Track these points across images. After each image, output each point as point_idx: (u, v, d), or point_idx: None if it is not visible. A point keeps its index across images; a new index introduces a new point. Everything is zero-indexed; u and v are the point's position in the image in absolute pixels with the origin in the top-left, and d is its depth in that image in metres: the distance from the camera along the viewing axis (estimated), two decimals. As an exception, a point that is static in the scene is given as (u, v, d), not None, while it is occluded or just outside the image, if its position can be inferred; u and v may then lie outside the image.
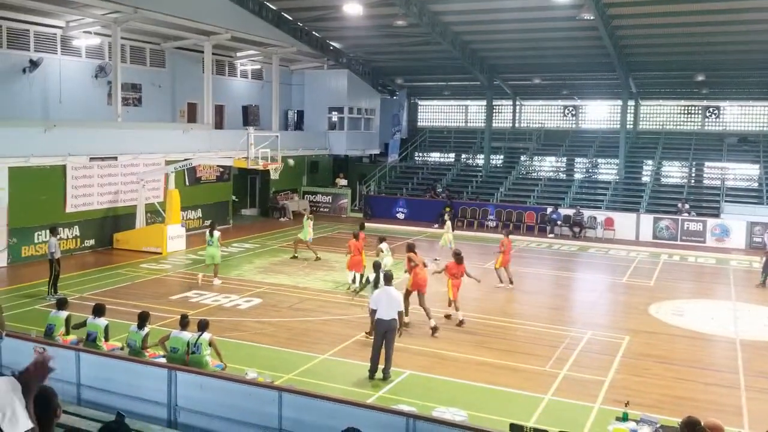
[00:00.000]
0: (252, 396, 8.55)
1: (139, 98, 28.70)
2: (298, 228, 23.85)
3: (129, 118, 26.91)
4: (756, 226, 28.27)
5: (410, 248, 16.52)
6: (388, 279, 12.73)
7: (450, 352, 13.72)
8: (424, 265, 16.16)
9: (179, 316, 11.73)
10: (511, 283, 19.82)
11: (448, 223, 24.86)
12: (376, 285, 14.22)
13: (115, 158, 24.30)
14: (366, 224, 22.13)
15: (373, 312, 12.23)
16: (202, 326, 10.98)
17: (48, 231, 19.16)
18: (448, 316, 16.10)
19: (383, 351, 12.02)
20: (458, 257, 16.23)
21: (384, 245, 19.05)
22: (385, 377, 11.94)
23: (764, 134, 35.86)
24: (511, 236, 21.28)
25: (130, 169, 24.74)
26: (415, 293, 15.36)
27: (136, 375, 9.37)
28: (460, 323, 15.57)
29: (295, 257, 22.78)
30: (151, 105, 29.09)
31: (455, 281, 16.00)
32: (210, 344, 10.88)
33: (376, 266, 15.03)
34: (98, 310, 11.75)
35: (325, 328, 15.29)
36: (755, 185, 33.34)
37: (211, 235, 19.19)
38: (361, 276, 18.50)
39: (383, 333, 12.01)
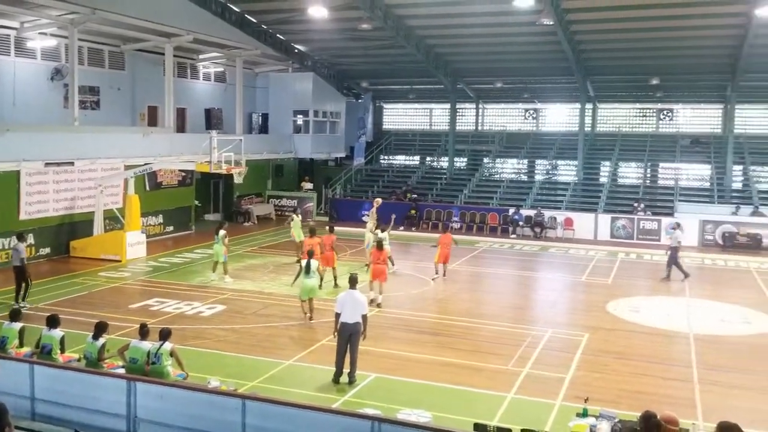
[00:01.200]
0: (214, 405, 8.49)
1: (97, 101, 28.25)
2: (264, 232, 23.80)
3: (86, 121, 26.47)
4: (708, 224, 29.14)
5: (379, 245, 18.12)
6: (353, 282, 12.79)
7: (415, 354, 13.87)
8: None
9: (138, 325, 11.48)
10: (444, 275, 21.13)
11: (370, 224, 24.36)
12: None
13: (72, 163, 23.81)
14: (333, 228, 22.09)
15: (338, 315, 12.30)
16: (164, 335, 10.74)
17: (15, 237, 18.86)
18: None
19: (348, 355, 12.11)
20: (379, 244, 18.14)
21: (384, 234, 20.37)
22: (351, 381, 12.01)
23: (715, 136, 36.88)
24: (453, 235, 22.38)
25: (88, 175, 24.31)
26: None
27: (94, 387, 9.09)
28: (378, 305, 17.13)
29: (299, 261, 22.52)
30: (110, 108, 28.65)
31: (376, 266, 17.66)
32: (171, 354, 10.66)
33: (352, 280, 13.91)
34: (53, 321, 11.29)
35: (290, 333, 15.32)
36: (707, 185, 34.30)
37: (217, 233, 20.23)
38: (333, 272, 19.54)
39: (347, 337, 12.07)
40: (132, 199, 24.01)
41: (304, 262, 16.35)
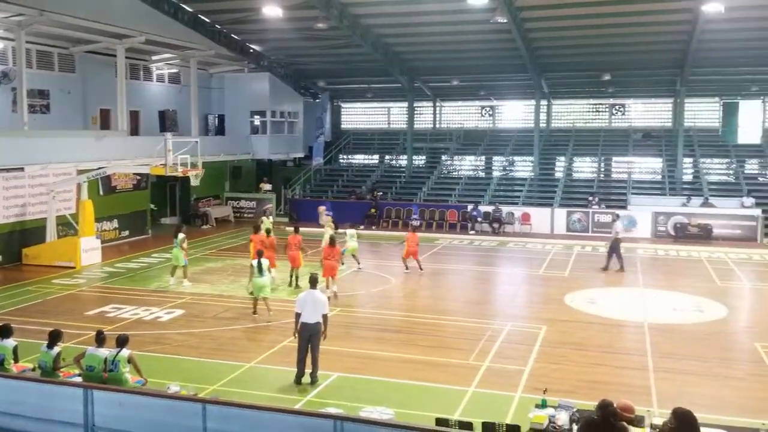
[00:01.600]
0: (174, 410, 8.41)
1: (47, 105, 27.68)
2: (222, 235, 23.60)
3: (36, 126, 25.92)
4: (660, 216, 29.82)
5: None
6: (313, 282, 12.78)
7: (377, 352, 13.93)
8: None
9: (95, 333, 11.22)
10: (421, 268, 21.76)
11: (328, 219, 24.79)
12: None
13: (22, 169, 23.25)
14: (288, 228, 22.12)
15: (298, 316, 12.28)
16: (121, 342, 10.55)
17: None
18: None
19: (309, 355, 12.12)
20: (332, 241, 18.95)
21: (351, 231, 21.13)
22: (313, 381, 12.02)
23: (666, 129, 37.69)
24: (418, 233, 23.21)
25: (39, 180, 23.76)
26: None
27: (49, 396, 8.87)
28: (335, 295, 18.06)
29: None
30: (61, 112, 28.09)
31: (327, 262, 18.33)
32: (129, 361, 10.51)
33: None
34: (5, 331, 10.97)
35: (250, 335, 15.26)
36: (659, 177, 35.10)
37: (176, 236, 20.07)
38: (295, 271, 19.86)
39: (308, 337, 12.07)
40: (85, 204, 23.60)
41: (255, 262, 16.62)
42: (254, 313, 16.65)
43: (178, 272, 20.21)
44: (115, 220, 27.59)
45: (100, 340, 10.74)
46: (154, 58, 32.64)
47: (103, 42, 27.83)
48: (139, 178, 28.68)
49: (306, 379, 12.02)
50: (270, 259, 18.69)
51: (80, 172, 24.55)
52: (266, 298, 16.66)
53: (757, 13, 26.52)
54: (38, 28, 24.68)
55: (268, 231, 20.91)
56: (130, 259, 24.21)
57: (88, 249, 23.16)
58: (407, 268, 22.07)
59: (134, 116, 31.62)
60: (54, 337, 10.90)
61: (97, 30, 26.38)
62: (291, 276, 20.02)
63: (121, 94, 28.18)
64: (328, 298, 16.72)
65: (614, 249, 22.60)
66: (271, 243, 20.16)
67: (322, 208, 24.19)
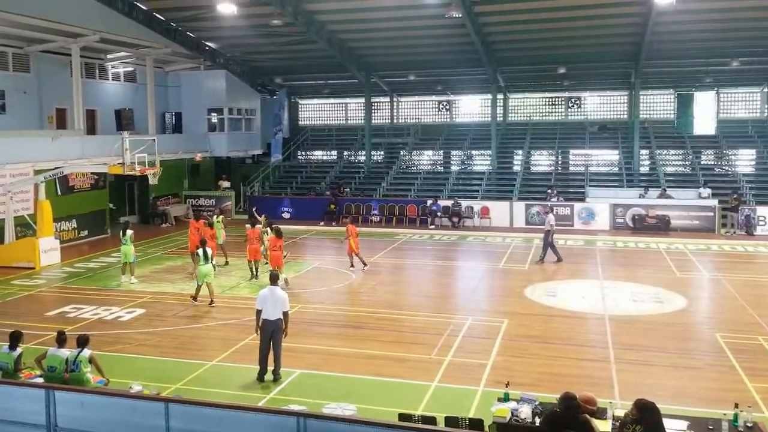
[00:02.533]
0: (137, 409, 8.38)
1: (2, 105, 27.21)
2: (182, 233, 23.42)
3: (-9, 126, 25.50)
4: (618, 207, 30.25)
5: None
6: (274, 279, 12.76)
7: (339, 348, 13.96)
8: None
9: (56, 333, 11.14)
10: (354, 265, 21.75)
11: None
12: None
13: (-22, 170, 22.99)
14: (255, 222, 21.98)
15: (259, 312, 12.26)
16: (82, 342, 10.50)
17: None
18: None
19: (271, 352, 12.10)
20: (278, 232, 19.48)
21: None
22: (276, 378, 12.01)
23: (621, 121, 38.30)
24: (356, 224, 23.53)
25: (-5, 181, 23.47)
26: None
27: (10, 398, 8.79)
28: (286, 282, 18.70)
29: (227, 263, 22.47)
30: (16, 112, 27.61)
31: (273, 253, 19.05)
32: (90, 361, 10.45)
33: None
34: None
35: (212, 333, 15.16)
36: (615, 170, 35.64)
37: (124, 233, 20.17)
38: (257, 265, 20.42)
39: (270, 333, 12.06)
40: (43, 204, 23.29)
41: (200, 251, 17.45)
42: (194, 299, 17.42)
43: (128, 269, 20.27)
44: (74, 220, 27.21)
45: (61, 340, 10.67)
46: (109, 56, 32.16)
47: (57, 41, 27.40)
48: (96, 177, 28.33)
49: (269, 376, 12.01)
50: (254, 253, 20.26)
51: (37, 172, 24.20)
52: (209, 284, 17.36)
53: (710, 5, 27.08)
54: (-9, 28, 24.19)
55: (211, 225, 21.98)
56: (89, 259, 23.91)
57: (47, 249, 22.87)
58: (353, 266, 21.80)
59: (91, 115, 31.18)
60: (15, 339, 10.80)
61: (52, 29, 25.99)
62: (251, 269, 20.43)
63: (77, 93, 27.79)
64: (285, 281, 18.22)
65: (548, 241, 22.98)
66: (212, 235, 21.30)
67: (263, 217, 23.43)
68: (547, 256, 22.98)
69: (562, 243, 26.76)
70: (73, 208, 27.06)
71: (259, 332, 12.25)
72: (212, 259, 17.82)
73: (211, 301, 17.29)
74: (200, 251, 17.44)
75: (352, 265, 21.82)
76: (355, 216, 30.06)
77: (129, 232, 20.18)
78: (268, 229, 20.68)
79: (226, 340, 14.52)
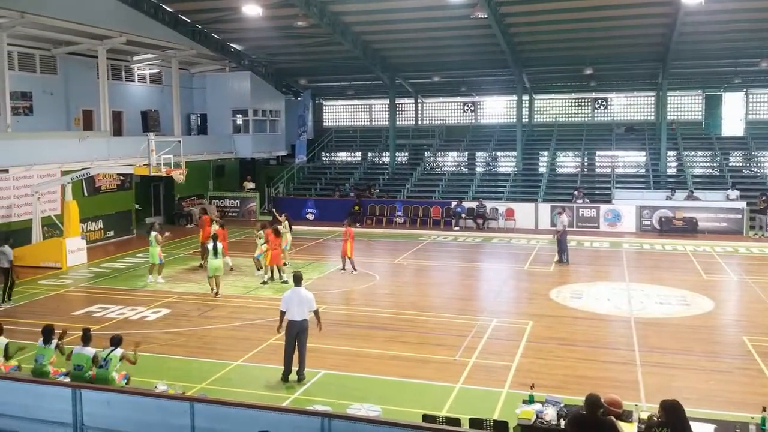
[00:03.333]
0: (162, 409, 8.43)
1: (30, 107, 27.54)
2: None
3: (19, 128, 25.75)
4: (644, 209, 29.90)
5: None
6: (298, 280, 12.75)
7: (363, 349, 13.95)
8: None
9: (81, 331, 11.22)
10: (352, 269, 21.40)
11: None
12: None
13: (6, 171, 23.21)
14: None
15: (282, 314, 12.26)
16: (116, 342, 10.65)
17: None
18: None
19: (296, 352, 12.12)
20: (276, 231, 20.21)
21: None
22: (300, 379, 12.02)
23: (648, 123, 37.93)
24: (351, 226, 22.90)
25: (24, 182, 23.72)
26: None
27: (38, 396, 8.90)
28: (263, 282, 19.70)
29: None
30: (44, 113, 27.99)
31: (275, 251, 19.78)
32: (121, 358, 10.58)
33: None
34: None
35: (237, 334, 15.22)
36: (642, 171, 35.30)
37: (149, 235, 20.50)
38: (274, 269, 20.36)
39: (295, 334, 12.07)
40: (70, 205, 23.55)
41: (210, 245, 18.44)
42: (215, 294, 18.26)
43: (156, 270, 20.43)
44: (100, 221, 27.50)
45: (86, 338, 10.76)
46: (135, 58, 32.49)
47: (84, 43, 27.72)
48: (123, 178, 28.61)
49: (293, 376, 12.02)
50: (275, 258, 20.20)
51: (64, 173, 24.50)
52: (218, 277, 18.34)
53: (738, 5, 26.71)
54: (19, 30, 24.49)
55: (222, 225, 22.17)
56: (115, 259, 24.14)
57: (74, 250, 23.11)
58: (344, 268, 21.58)
59: (117, 117, 31.52)
60: (48, 332, 10.99)
61: (78, 31, 26.28)
62: (272, 271, 20.40)
63: (103, 94, 28.08)
64: (284, 282, 18.96)
65: (562, 239, 22.82)
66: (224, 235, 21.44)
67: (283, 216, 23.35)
68: (564, 257, 22.88)
69: (588, 245, 26.63)
70: (99, 208, 27.35)
71: (284, 333, 12.25)
72: (222, 255, 18.86)
73: (216, 292, 18.27)
74: (210, 246, 18.45)
75: (343, 268, 21.65)
76: (354, 218, 29.78)
77: (153, 233, 20.32)
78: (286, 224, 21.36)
79: (251, 340, 14.57)
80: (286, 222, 21.93)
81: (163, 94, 34.44)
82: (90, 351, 10.58)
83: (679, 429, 6.88)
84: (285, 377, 12.04)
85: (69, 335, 11.73)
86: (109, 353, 10.48)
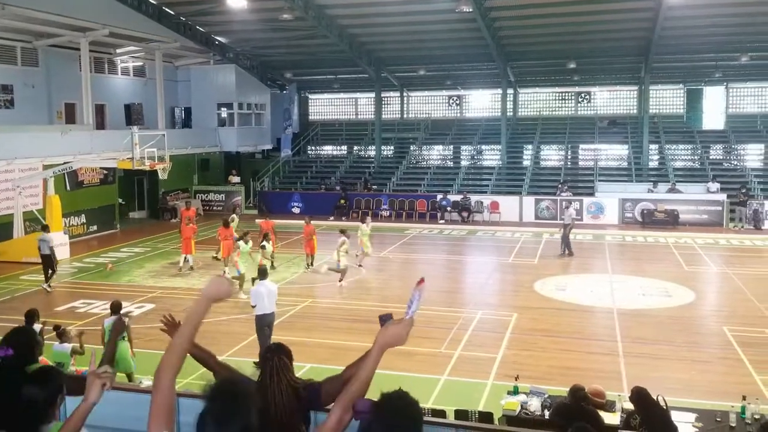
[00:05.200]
0: (147, 404, 8.42)
1: (11, 100, 27.27)
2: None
3: (0, 121, 25.50)
4: (627, 202, 30.21)
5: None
6: (264, 273, 13.00)
7: (348, 342, 13.96)
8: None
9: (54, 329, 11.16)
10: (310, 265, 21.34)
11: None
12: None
13: (-12, 165, 23.08)
14: (257, 220, 22.10)
15: (254, 308, 12.51)
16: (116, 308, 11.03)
17: (41, 229, 20.12)
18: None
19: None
20: (225, 223, 20.78)
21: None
22: None
23: (631, 116, 38.17)
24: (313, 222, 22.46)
25: (5, 176, 23.53)
26: None
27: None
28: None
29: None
30: (25, 107, 27.66)
31: (225, 242, 19.99)
32: (73, 353, 10.57)
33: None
34: None
35: (222, 328, 15.19)
36: (625, 164, 35.57)
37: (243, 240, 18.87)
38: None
39: (266, 327, 12.39)
40: (53, 199, 23.37)
41: (241, 242, 18.57)
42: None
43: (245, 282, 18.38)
44: (83, 215, 27.35)
45: (59, 334, 10.70)
46: (118, 51, 32.21)
47: (66, 35, 27.43)
48: (106, 172, 28.46)
49: None
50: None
51: (46, 167, 24.28)
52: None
53: (719, 0, 26.93)
54: (0, 22, 24.21)
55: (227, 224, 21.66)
56: (98, 254, 24.03)
57: (57, 244, 22.72)
58: (308, 266, 21.15)
59: (100, 110, 31.24)
60: (60, 334, 10.90)
61: (60, 23, 26.01)
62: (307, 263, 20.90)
63: (86, 88, 27.81)
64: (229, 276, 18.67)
65: (565, 233, 23.00)
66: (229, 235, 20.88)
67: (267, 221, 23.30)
68: (566, 249, 23.05)
69: (571, 237, 26.75)
70: (82, 203, 27.20)
71: (256, 326, 12.53)
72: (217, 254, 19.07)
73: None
74: (241, 242, 18.50)
75: (309, 265, 21.31)
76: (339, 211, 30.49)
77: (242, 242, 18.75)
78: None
79: (236, 334, 14.57)
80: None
81: (146, 87, 34.20)
82: (67, 347, 10.52)
83: (645, 415, 6.93)
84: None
85: (51, 332, 11.67)
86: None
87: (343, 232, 19.63)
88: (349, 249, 19.44)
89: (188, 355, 4.41)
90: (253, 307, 12.46)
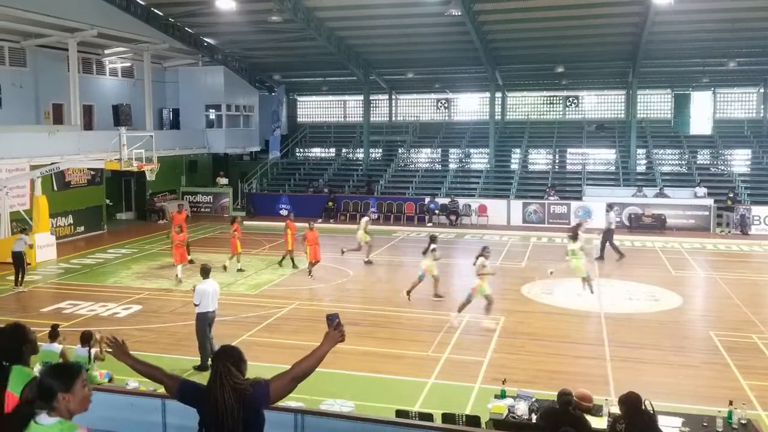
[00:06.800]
0: (134, 406, 8.34)
1: (-1, 100, 27.20)
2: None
3: (-13, 121, 25.46)
4: (614, 206, 30.08)
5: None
6: (207, 272, 13.07)
7: (336, 345, 13.93)
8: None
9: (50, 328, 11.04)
10: (283, 264, 21.55)
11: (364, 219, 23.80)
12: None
13: (-25, 165, 22.96)
14: (246, 222, 22.11)
15: (197, 306, 12.60)
16: (86, 339, 10.64)
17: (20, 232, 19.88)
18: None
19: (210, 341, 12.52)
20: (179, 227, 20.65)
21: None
22: (204, 368, 12.24)
23: (619, 121, 38.35)
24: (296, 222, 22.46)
25: (-8, 176, 23.45)
26: None
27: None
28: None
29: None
30: (12, 106, 27.55)
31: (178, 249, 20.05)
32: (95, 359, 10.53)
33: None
34: None
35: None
36: (612, 168, 35.66)
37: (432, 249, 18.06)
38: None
39: (210, 324, 12.59)
40: (39, 200, 23.24)
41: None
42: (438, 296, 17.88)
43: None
44: (70, 216, 27.20)
45: (53, 335, 10.63)
46: (106, 51, 32.10)
47: (54, 36, 27.34)
48: (93, 173, 28.32)
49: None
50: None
51: (33, 167, 24.13)
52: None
53: (707, 5, 27.14)
54: (-13, 22, 24.14)
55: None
56: (85, 255, 23.89)
57: (43, 245, 22.83)
58: (281, 264, 21.30)
59: (87, 111, 31.16)
60: (86, 339, 10.83)
61: (48, 23, 25.92)
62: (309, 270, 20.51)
63: (74, 88, 27.72)
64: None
65: (608, 239, 23.02)
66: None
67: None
68: (607, 254, 23.11)
69: (559, 241, 26.81)
70: (69, 203, 27.05)
71: (198, 325, 12.59)
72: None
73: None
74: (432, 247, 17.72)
75: (285, 263, 21.56)
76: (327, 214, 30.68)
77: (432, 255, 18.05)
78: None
79: (223, 336, 14.42)
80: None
81: (134, 88, 34.08)
82: (57, 347, 10.48)
83: (630, 422, 6.95)
84: (205, 366, 12.16)
85: (39, 332, 11.58)
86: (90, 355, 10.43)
87: (433, 239, 18.43)
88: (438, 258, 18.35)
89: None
90: (196, 305, 12.59)
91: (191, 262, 21.26)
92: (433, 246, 17.97)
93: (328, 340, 4.96)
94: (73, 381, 3.92)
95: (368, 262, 22.32)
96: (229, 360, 4.74)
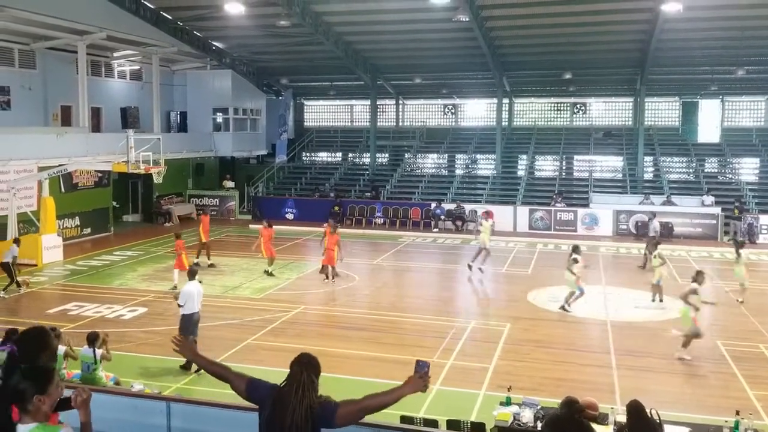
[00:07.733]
0: (138, 409, 8.32)
1: (8, 101, 27.21)
2: (185, 232, 23.30)
3: (-4, 122, 25.55)
4: (621, 214, 30.18)
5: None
6: (193, 274, 13.26)
7: (341, 350, 13.95)
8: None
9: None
10: (327, 278, 20.25)
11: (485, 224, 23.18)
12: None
13: (-17, 166, 23.03)
14: (252, 226, 22.08)
15: (180, 307, 12.67)
16: (92, 340, 10.65)
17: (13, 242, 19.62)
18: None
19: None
20: (177, 236, 19.94)
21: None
22: (188, 368, 12.27)
23: (626, 128, 38.26)
24: (274, 226, 22.53)
25: (0, 177, 23.48)
26: None
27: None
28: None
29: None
30: (21, 108, 27.63)
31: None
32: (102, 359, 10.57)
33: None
34: None
35: (214, 333, 15.13)
36: (619, 176, 35.58)
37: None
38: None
39: (195, 324, 12.69)
40: (47, 201, 23.31)
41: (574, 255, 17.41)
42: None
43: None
44: (77, 218, 27.27)
45: (56, 337, 10.64)
46: (115, 54, 32.19)
47: (63, 38, 27.43)
48: (100, 175, 28.39)
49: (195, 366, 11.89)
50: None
51: (41, 168, 24.23)
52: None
53: (716, 13, 27.07)
54: (-2, 24, 24.26)
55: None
56: (92, 257, 23.95)
57: (50, 247, 22.91)
58: (328, 277, 20.07)
59: (96, 113, 31.25)
60: (92, 340, 10.90)
61: (58, 26, 26.01)
62: (326, 274, 20.24)
63: (83, 90, 27.82)
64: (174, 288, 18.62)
65: (649, 248, 22.84)
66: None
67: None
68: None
69: (565, 248, 26.71)
70: (76, 205, 27.12)
71: (183, 327, 12.57)
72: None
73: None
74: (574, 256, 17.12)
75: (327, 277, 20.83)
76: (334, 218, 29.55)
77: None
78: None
79: (228, 339, 14.52)
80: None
81: (143, 91, 34.17)
82: (60, 349, 10.49)
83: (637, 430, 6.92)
84: (189, 366, 12.22)
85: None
86: (95, 354, 10.43)
87: (576, 249, 17.98)
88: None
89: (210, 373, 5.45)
90: (181, 306, 12.65)
91: (211, 266, 21.59)
92: (574, 256, 17.48)
93: (410, 385, 4.77)
94: (47, 383, 3.88)
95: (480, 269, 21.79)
96: (315, 372, 4.73)
